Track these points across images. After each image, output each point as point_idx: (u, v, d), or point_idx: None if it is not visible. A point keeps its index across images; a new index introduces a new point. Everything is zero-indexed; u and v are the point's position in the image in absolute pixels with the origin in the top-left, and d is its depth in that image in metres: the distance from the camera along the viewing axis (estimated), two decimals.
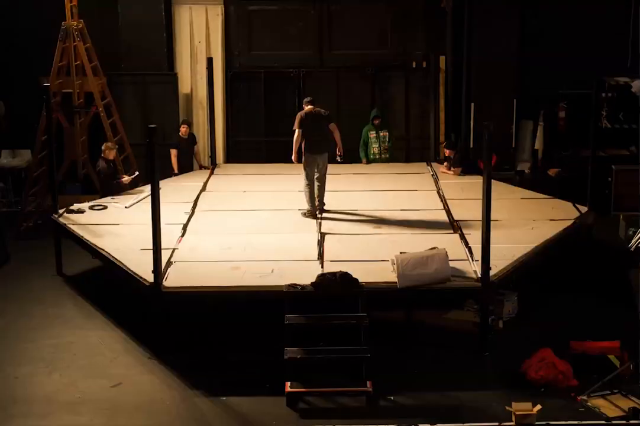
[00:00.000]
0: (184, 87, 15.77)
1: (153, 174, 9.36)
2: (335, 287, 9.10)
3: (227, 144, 15.90)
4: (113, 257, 10.47)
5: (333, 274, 9.21)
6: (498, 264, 9.78)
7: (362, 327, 8.96)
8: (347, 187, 13.45)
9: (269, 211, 12.26)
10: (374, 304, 9.42)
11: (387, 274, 9.64)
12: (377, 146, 14.81)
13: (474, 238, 10.46)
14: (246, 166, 15.01)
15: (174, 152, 14.16)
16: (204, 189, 13.43)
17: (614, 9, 15.37)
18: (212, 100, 15.06)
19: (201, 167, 14.75)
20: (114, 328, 10.46)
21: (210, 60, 15.03)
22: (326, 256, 10.27)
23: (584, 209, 12.21)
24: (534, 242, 10.79)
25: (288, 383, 8.58)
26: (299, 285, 9.17)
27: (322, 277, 9.19)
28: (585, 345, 9.32)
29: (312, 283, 9.15)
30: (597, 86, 12.17)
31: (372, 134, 14.81)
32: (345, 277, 9.16)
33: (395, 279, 9.44)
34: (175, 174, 14.17)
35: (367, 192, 13.23)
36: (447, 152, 14.13)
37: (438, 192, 13.06)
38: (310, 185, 11.85)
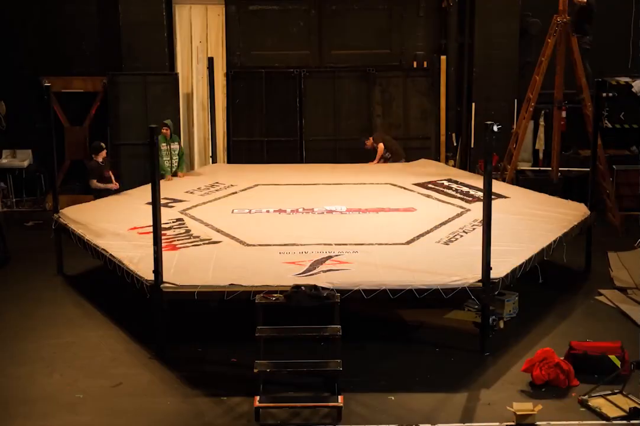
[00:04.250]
0: (184, 87, 15.77)
1: (153, 174, 9.36)
2: (308, 300, 9.04)
3: (228, 144, 15.90)
4: (113, 257, 10.47)
5: (308, 286, 9.14)
6: (498, 265, 9.78)
7: (335, 339, 8.86)
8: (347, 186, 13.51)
9: (271, 210, 12.28)
10: (372, 303, 9.44)
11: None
12: (167, 159, 13.90)
13: (475, 238, 10.47)
14: (245, 166, 15.06)
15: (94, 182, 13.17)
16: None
17: (614, 8, 15.38)
18: (212, 100, 15.06)
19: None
20: (114, 327, 10.46)
21: (210, 60, 15.04)
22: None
23: (584, 209, 12.21)
24: (534, 242, 10.79)
25: (257, 397, 8.39)
26: (272, 296, 9.10)
27: (296, 289, 9.12)
28: (586, 345, 9.32)
29: (285, 295, 9.09)
30: (597, 85, 12.16)
31: (163, 146, 13.77)
32: (317, 290, 9.11)
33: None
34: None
35: (369, 192, 13.28)
36: None
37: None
38: None
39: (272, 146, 15.82)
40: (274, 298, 9.06)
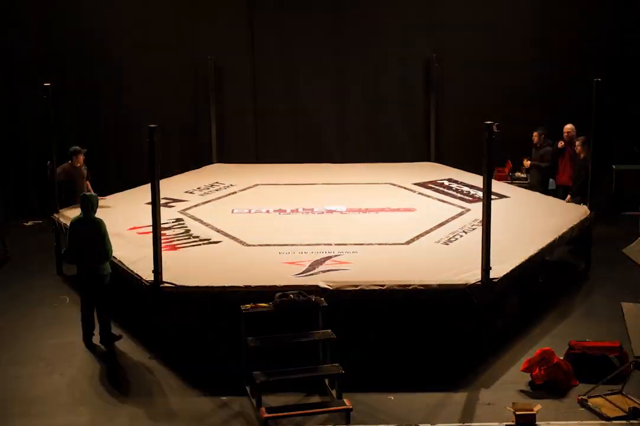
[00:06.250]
0: None
1: (153, 174, 9.36)
2: (297, 307, 9.03)
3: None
4: (113, 257, 10.46)
5: (295, 294, 9.12)
6: (499, 265, 9.77)
7: (330, 343, 8.85)
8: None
9: (271, 210, 12.29)
10: (370, 302, 9.44)
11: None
12: None
13: (475, 238, 10.48)
14: (245, 166, 15.07)
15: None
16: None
17: None
18: None
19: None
20: (114, 327, 10.45)
21: None
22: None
23: (584, 209, 12.22)
24: (534, 242, 10.80)
25: (263, 409, 8.31)
26: (259, 305, 9.07)
27: (283, 297, 9.10)
28: (585, 345, 9.32)
29: (274, 304, 9.06)
30: (596, 85, 12.11)
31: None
32: (304, 296, 9.08)
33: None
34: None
35: (369, 192, 13.30)
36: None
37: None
38: None
39: None
40: (260, 308, 9.01)
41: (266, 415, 8.21)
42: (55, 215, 12.20)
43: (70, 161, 12.41)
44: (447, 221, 11.70)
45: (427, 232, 11.23)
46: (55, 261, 12.23)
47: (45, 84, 12.03)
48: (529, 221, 11.73)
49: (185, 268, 9.97)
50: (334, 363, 8.70)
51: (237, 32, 15.45)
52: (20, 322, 10.70)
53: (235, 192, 13.36)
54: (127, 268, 10.10)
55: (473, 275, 9.58)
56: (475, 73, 15.35)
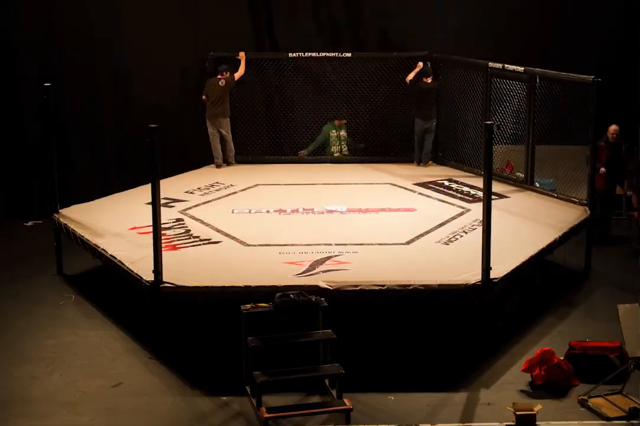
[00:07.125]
0: None
1: (153, 174, 9.36)
2: (297, 307, 9.02)
3: None
4: (113, 257, 10.48)
5: (295, 294, 9.12)
6: (499, 265, 9.77)
7: (330, 343, 8.84)
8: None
9: (271, 210, 12.29)
10: (370, 302, 9.44)
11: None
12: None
13: (475, 238, 10.48)
14: (245, 166, 15.07)
15: None
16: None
17: None
18: None
19: None
20: (114, 327, 10.47)
21: None
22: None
23: (583, 209, 12.22)
24: (534, 242, 10.80)
25: (263, 409, 8.31)
26: (260, 305, 9.06)
27: (283, 297, 9.10)
28: (586, 345, 9.32)
29: (273, 304, 9.05)
30: (597, 86, 12.11)
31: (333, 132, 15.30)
32: (305, 296, 9.08)
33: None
34: None
35: (369, 192, 13.31)
36: None
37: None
38: None
39: None
40: (261, 308, 8.99)
41: (266, 415, 8.21)
42: (55, 215, 12.20)
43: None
44: (447, 221, 11.69)
45: (427, 232, 11.23)
46: (55, 261, 12.23)
47: (45, 84, 12.02)
48: (529, 221, 11.72)
49: (185, 268, 9.97)
50: (334, 363, 8.71)
51: (237, 32, 15.44)
52: (20, 322, 10.70)
53: (235, 192, 13.36)
54: (127, 268, 10.11)
55: (473, 275, 9.58)
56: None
